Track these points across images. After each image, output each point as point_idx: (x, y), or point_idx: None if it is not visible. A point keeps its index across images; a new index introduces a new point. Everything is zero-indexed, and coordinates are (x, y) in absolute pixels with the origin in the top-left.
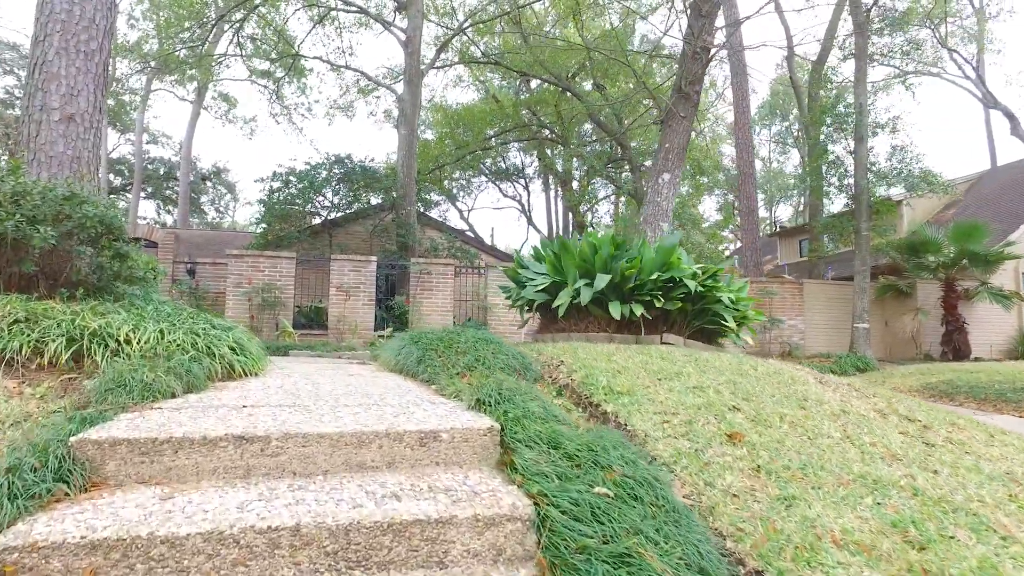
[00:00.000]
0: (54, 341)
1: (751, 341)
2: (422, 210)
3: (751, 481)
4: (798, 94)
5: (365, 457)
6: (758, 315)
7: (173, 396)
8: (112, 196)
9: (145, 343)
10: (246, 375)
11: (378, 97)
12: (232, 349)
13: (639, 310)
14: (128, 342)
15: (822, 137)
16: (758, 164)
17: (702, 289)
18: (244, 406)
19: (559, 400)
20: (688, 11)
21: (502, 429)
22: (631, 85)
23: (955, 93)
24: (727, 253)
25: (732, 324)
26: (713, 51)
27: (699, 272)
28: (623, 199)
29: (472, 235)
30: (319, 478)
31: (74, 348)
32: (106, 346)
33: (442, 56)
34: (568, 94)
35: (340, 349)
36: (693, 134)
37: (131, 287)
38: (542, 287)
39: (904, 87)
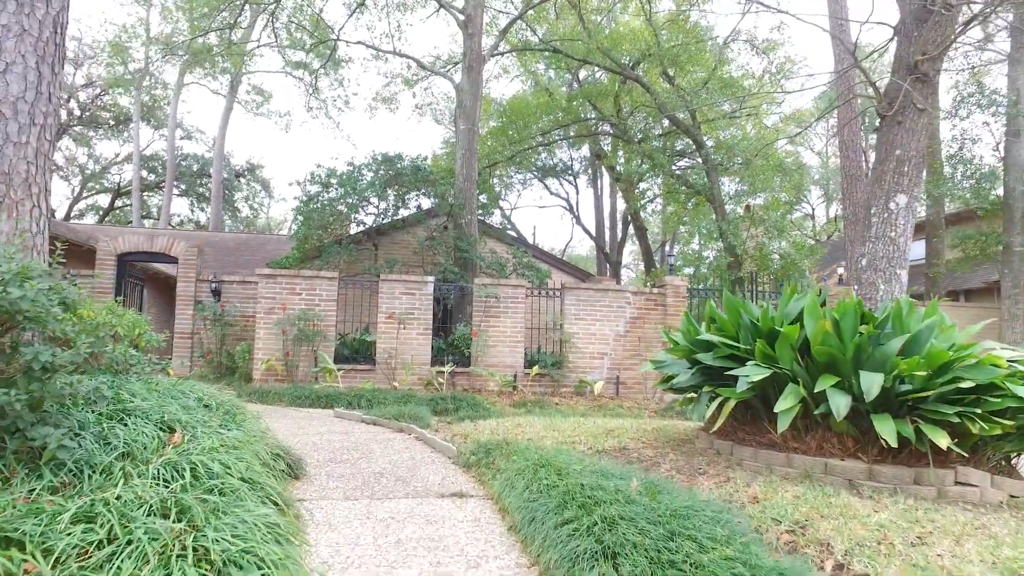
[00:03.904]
0: None
1: None
2: (481, 217)
3: None
4: None
5: None
6: None
7: None
8: (145, 193)
9: None
10: None
11: (427, 88)
12: None
13: (943, 438)
14: None
15: (953, 132)
16: (815, 159)
17: None
18: None
19: None
20: None
21: None
22: (696, 76)
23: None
24: (820, 273)
25: None
26: (981, 7)
27: (1018, 364)
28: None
29: (515, 235)
30: None
31: None
32: None
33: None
34: (628, 84)
35: (400, 413)
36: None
37: (70, 417)
38: (755, 381)
39: None
